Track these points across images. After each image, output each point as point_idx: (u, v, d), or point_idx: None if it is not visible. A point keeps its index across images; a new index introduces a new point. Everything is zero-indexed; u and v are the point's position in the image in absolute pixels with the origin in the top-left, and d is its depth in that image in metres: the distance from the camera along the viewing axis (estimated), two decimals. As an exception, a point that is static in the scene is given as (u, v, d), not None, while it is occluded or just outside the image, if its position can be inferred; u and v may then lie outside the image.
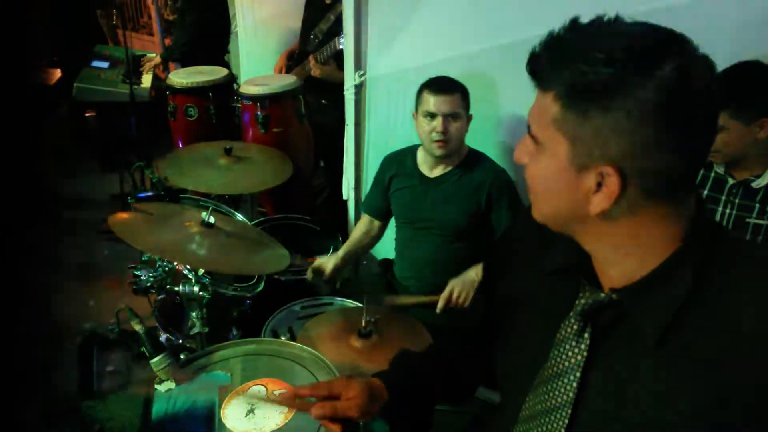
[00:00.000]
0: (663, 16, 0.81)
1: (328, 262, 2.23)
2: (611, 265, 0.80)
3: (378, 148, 2.69)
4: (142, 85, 4.04)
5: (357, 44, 2.53)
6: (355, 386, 1.01)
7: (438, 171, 2.14)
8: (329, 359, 1.49)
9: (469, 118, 2.05)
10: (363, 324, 1.72)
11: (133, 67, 4.00)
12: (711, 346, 0.71)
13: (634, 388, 0.77)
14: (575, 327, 0.84)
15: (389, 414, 1.06)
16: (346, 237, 2.98)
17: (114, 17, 3.75)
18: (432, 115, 1.99)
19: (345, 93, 2.68)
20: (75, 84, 3.83)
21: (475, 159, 2.11)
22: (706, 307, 0.73)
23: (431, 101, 1.98)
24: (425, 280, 2.21)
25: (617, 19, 0.72)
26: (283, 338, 1.93)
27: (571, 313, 0.84)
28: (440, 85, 2.00)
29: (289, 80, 3.10)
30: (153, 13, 5.78)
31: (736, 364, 0.69)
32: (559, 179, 0.76)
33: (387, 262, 2.46)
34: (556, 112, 0.73)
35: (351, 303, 2.12)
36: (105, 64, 4.22)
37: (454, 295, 1.92)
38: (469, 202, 2.07)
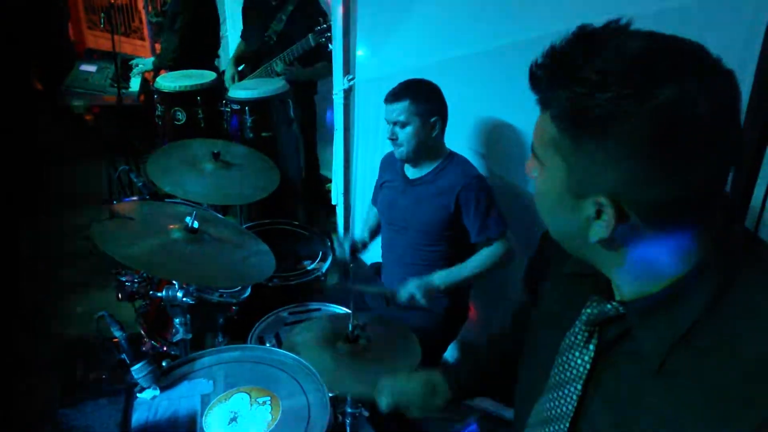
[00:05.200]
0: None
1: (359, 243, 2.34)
2: (622, 283, 0.76)
3: (367, 152, 2.68)
4: (131, 90, 4.00)
5: (345, 48, 2.52)
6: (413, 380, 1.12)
7: (415, 173, 2.15)
8: (316, 365, 1.47)
9: (430, 123, 2.03)
10: (350, 329, 1.70)
11: (122, 71, 3.97)
12: (716, 373, 0.66)
13: (633, 410, 0.73)
14: (579, 336, 0.80)
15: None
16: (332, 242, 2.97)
17: (102, 21, 3.71)
18: (387, 122, 2.08)
19: (333, 97, 2.66)
20: (63, 87, 3.80)
21: (451, 162, 2.10)
22: (716, 331, 0.67)
23: (385, 109, 2.07)
24: (403, 281, 2.21)
25: (627, 30, 0.66)
26: (268, 344, 1.91)
27: (577, 321, 0.81)
28: (389, 94, 2.06)
29: (277, 85, 3.09)
30: (144, 18, 5.76)
31: (739, 394, 0.64)
32: (560, 201, 0.72)
33: (377, 266, 2.45)
34: (554, 133, 0.68)
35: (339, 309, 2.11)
36: (93, 68, 4.18)
37: (417, 296, 1.95)
38: (439, 205, 2.06)
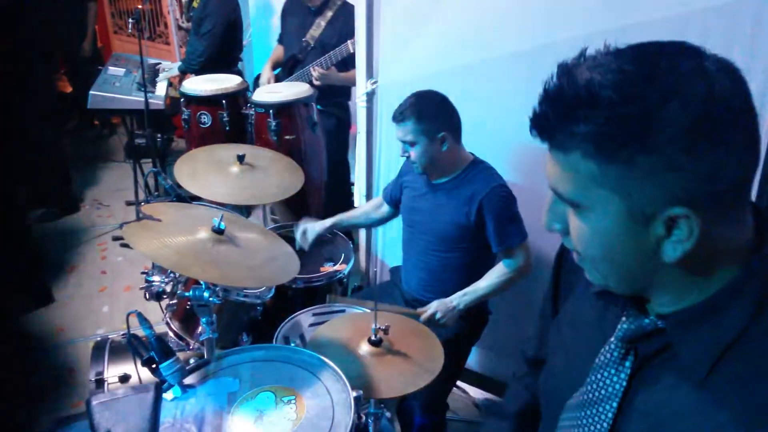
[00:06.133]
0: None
1: (315, 226, 2.38)
2: (661, 298, 0.73)
3: (390, 156, 2.69)
4: (157, 93, 4.07)
5: (369, 52, 2.54)
6: None
7: (438, 178, 2.15)
8: (339, 366, 1.49)
9: (438, 139, 2.02)
10: (373, 332, 1.71)
11: (149, 75, 4.04)
12: (763, 385, 0.64)
13: (675, 427, 0.70)
14: (615, 353, 0.78)
15: None
16: (355, 243, 2.99)
17: (130, 26, 3.78)
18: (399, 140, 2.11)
19: (357, 101, 2.68)
20: (90, 92, 3.88)
21: (473, 170, 2.10)
22: (761, 341, 0.65)
23: (395, 128, 2.10)
24: (421, 284, 2.22)
25: (607, 51, 0.66)
26: (293, 344, 1.93)
27: (612, 338, 0.78)
28: (395, 113, 2.07)
29: (301, 89, 3.12)
30: (169, 23, 5.85)
31: None
32: (623, 234, 0.67)
33: (397, 269, 2.46)
34: (593, 169, 0.65)
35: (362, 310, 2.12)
36: (120, 72, 4.26)
37: (437, 316, 2.05)
38: (458, 213, 2.07)
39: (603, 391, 0.78)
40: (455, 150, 2.08)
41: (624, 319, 0.77)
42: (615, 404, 0.77)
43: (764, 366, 0.65)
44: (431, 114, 2.01)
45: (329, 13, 3.33)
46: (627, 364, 0.77)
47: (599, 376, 0.79)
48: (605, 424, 0.78)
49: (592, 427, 0.79)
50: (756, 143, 0.65)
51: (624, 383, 0.76)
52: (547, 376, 0.98)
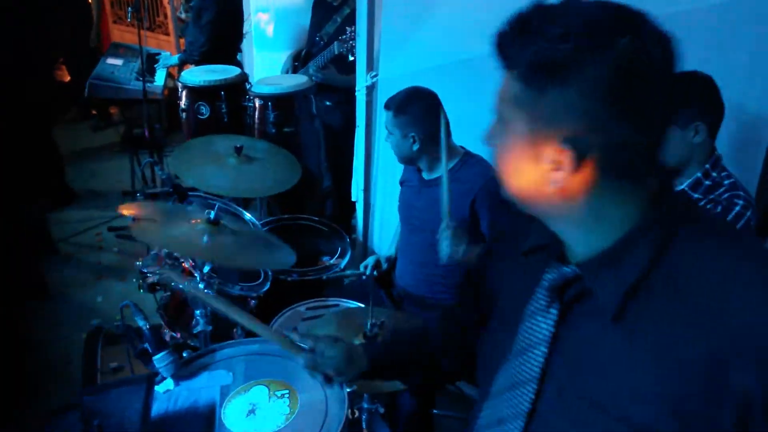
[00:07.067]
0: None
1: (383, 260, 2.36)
2: (576, 243, 0.82)
3: (388, 150, 2.68)
4: (156, 83, 4.04)
5: (369, 45, 2.52)
6: (335, 348, 1.18)
7: (431, 174, 2.14)
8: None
9: (409, 137, 2.02)
10: (368, 327, 1.71)
11: (147, 65, 4.01)
12: (669, 321, 0.72)
13: (596, 364, 0.78)
14: (542, 302, 0.85)
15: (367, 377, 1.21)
16: (353, 238, 2.98)
17: (129, 15, 3.76)
18: None
19: (356, 94, 2.67)
20: (89, 81, 3.85)
21: (465, 164, 2.08)
22: (664, 282, 0.73)
23: None
24: (417, 280, 2.21)
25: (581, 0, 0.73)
26: (287, 338, 1.92)
27: (538, 288, 0.86)
28: (386, 100, 2.10)
29: (300, 80, 3.11)
30: (169, 13, 5.81)
31: (691, 337, 0.70)
32: (521, 155, 0.77)
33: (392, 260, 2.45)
34: (517, 89, 0.74)
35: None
36: (119, 62, 4.23)
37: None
38: (456, 206, 2.04)
39: (533, 338, 0.85)
40: (428, 151, 2.07)
41: (548, 270, 0.84)
42: (545, 348, 0.83)
43: (667, 302, 0.73)
44: (409, 113, 2.01)
45: (346, 10, 3.26)
46: (553, 311, 0.83)
47: (529, 324, 0.86)
48: (537, 368, 0.84)
49: (526, 373, 0.85)
50: (663, 120, 0.75)
51: (552, 329, 0.83)
52: (483, 343, 1.03)
